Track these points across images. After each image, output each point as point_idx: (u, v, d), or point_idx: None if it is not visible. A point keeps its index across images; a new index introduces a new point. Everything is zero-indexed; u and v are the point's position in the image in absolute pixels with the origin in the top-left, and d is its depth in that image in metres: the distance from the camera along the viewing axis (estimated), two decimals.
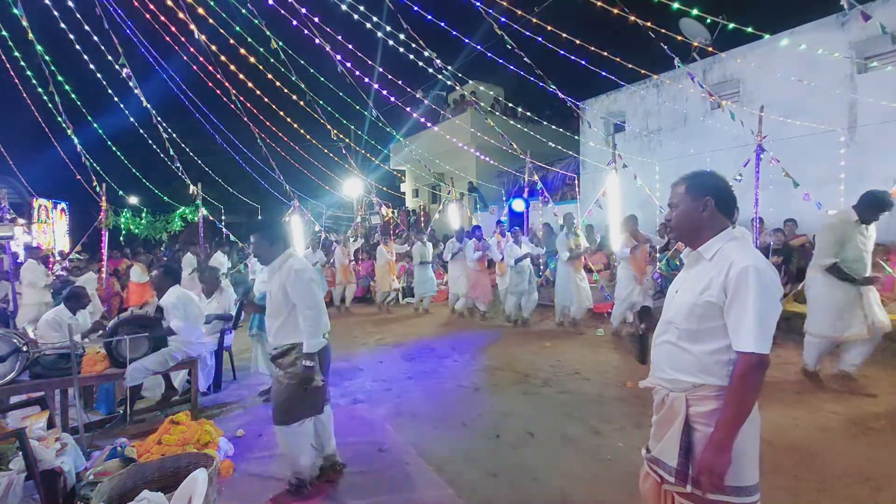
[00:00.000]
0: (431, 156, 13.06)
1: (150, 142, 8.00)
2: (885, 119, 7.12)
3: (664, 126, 10.71)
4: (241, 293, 3.23)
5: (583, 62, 6.03)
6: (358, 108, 8.00)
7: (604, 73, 6.42)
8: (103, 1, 5.52)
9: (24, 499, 2.44)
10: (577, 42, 5.70)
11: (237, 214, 16.51)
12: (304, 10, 5.74)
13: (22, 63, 6.21)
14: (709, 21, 5.67)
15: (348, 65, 6.50)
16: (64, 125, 6.55)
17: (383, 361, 5.78)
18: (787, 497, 2.65)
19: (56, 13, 5.43)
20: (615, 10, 5.02)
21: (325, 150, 10.22)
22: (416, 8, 5.58)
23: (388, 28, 6.00)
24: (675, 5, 4.83)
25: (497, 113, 14.83)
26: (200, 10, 5.72)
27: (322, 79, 7.23)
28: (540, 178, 10.78)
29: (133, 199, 17.19)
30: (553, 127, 9.75)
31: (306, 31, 5.95)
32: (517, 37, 5.96)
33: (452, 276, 8.51)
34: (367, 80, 7.00)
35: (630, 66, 6.14)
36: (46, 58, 5.81)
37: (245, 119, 7.87)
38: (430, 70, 6.80)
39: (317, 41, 6.06)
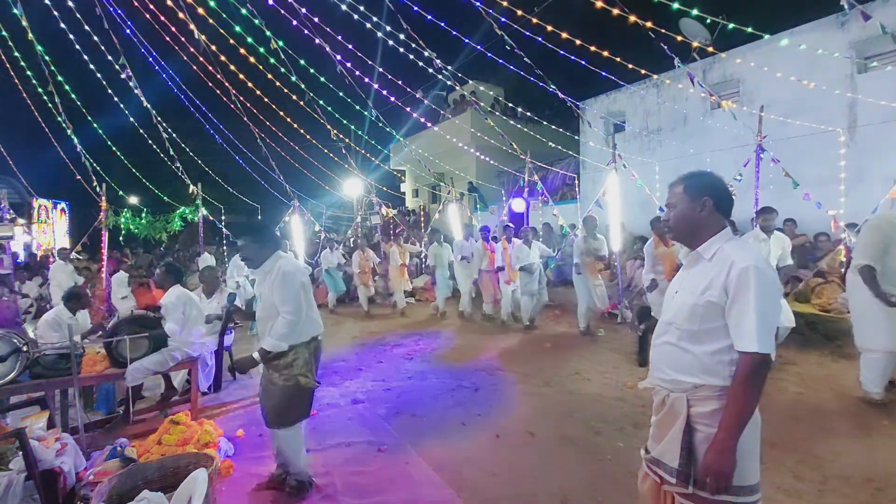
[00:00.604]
0: (431, 156, 13.06)
1: (150, 142, 8.01)
2: (885, 119, 7.12)
3: (664, 126, 10.71)
4: (228, 300, 3.19)
5: (583, 62, 6.03)
6: (358, 108, 8.00)
7: (604, 73, 6.42)
8: (103, 1, 5.52)
9: (24, 499, 2.44)
10: (577, 42, 5.69)
11: (237, 214, 16.51)
12: (304, 10, 5.74)
13: (22, 63, 6.21)
14: (709, 21, 5.66)
15: (348, 65, 6.51)
16: (64, 125, 6.55)
17: (382, 361, 5.78)
18: (787, 497, 2.65)
19: (56, 13, 5.43)
20: (615, 10, 5.02)
21: (325, 150, 10.22)
22: (416, 8, 5.58)
23: (388, 28, 6.00)
24: (675, 5, 4.83)
25: (497, 113, 14.83)
26: (200, 11, 5.71)
27: (322, 79, 7.23)
28: (540, 178, 10.79)
29: (133, 199, 17.21)
30: (553, 127, 9.75)
31: (306, 31, 5.95)
32: (517, 37, 5.97)
33: (459, 277, 8.37)
34: (367, 80, 7.00)
35: (630, 66, 6.14)
36: (46, 58, 5.81)
37: (245, 119, 7.87)
38: (430, 70, 6.80)
39: (317, 41, 6.06)
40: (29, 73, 6.31)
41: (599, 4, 4.98)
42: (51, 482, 2.54)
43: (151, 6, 5.81)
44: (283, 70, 6.57)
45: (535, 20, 5.65)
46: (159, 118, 7.20)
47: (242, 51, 6.42)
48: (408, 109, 8.24)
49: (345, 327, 7.97)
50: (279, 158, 9.34)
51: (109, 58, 5.94)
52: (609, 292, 7.77)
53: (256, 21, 5.70)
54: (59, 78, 6.21)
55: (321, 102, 7.68)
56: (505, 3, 5.47)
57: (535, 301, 7.13)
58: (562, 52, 5.92)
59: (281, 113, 8.51)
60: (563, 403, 4.19)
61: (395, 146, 18.15)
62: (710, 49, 6.93)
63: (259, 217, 14.20)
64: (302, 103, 7.45)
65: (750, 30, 5.02)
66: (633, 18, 5.03)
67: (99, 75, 6.49)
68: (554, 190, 13.42)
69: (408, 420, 3.96)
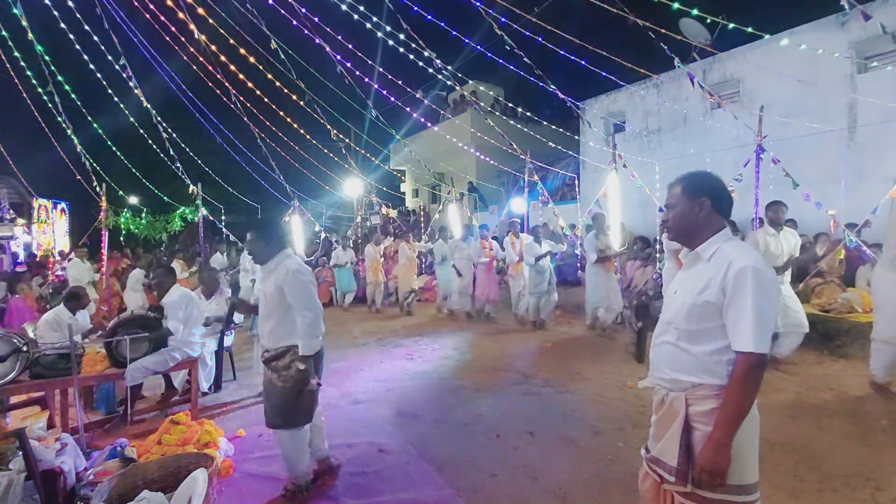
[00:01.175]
0: (431, 156, 13.07)
1: (150, 142, 8.01)
2: (885, 119, 7.12)
3: (664, 126, 10.72)
4: (232, 291, 3.17)
5: (583, 62, 6.03)
6: (358, 108, 8.00)
7: (604, 73, 6.42)
8: (103, 1, 5.52)
9: (24, 499, 2.44)
10: (577, 42, 5.70)
11: (237, 214, 16.51)
12: (303, 10, 5.75)
13: (22, 63, 6.21)
14: (709, 21, 5.67)
15: (348, 65, 6.51)
16: (64, 125, 6.56)
17: (383, 361, 5.78)
18: (787, 497, 2.65)
19: (56, 13, 5.43)
20: (615, 11, 5.02)
21: (325, 150, 10.22)
22: (416, 8, 5.58)
23: (388, 28, 6.00)
24: (675, 5, 4.83)
25: (497, 113, 14.84)
26: (200, 11, 5.71)
27: (322, 79, 7.23)
28: (540, 178, 10.78)
29: (133, 199, 17.21)
30: (553, 127, 9.76)
31: (306, 31, 5.95)
32: (517, 37, 5.97)
33: (453, 276, 8.34)
34: (367, 80, 7.01)
35: (630, 66, 6.15)
36: (46, 58, 5.81)
37: (245, 119, 7.87)
38: (430, 70, 6.80)
39: (317, 41, 6.06)
40: (29, 73, 6.31)
41: (599, 4, 4.98)
42: (51, 482, 2.54)
43: (151, 6, 5.81)
44: (283, 70, 6.57)
45: (535, 20, 5.66)
46: (159, 118, 7.21)
47: (242, 51, 6.43)
48: (408, 109, 8.25)
49: (345, 327, 7.96)
50: (279, 158, 9.34)
51: (110, 57, 5.94)
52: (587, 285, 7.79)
53: (257, 21, 5.70)
54: (60, 78, 6.21)
55: (321, 102, 7.69)
56: (505, 3, 5.48)
57: (544, 301, 7.01)
58: (562, 52, 5.92)
59: (281, 113, 8.52)
60: (563, 403, 4.19)
61: (395, 146, 18.15)
62: (710, 49, 6.93)
63: (261, 214, 14.21)
64: (302, 103, 7.45)
65: (750, 30, 5.02)
66: (633, 18, 5.03)
67: (99, 75, 6.50)
68: (554, 190, 13.43)
69: (408, 420, 3.96)
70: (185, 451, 3.04)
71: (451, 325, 7.77)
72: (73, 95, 6.73)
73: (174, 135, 7.73)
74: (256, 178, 10.16)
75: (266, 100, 7.90)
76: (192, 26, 5.69)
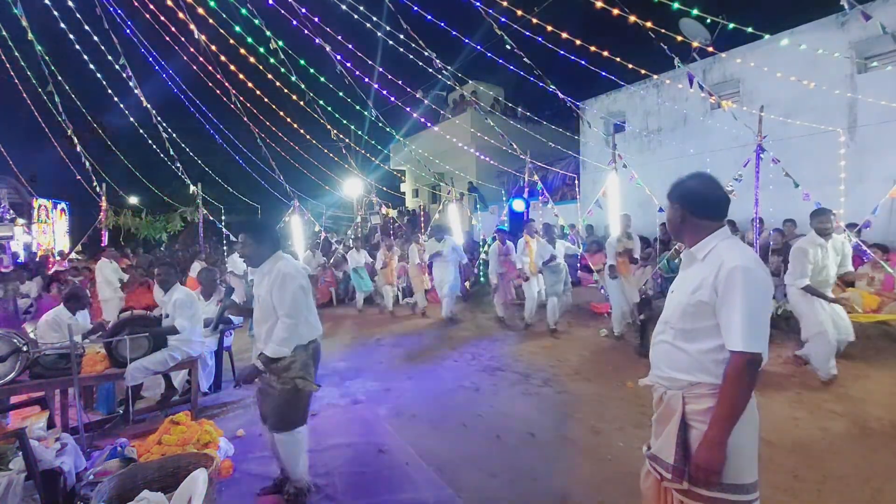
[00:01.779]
0: (431, 156, 13.06)
1: (150, 142, 8.01)
2: (885, 119, 7.12)
3: (664, 126, 10.71)
4: (225, 294, 3.11)
5: (583, 62, 6.03)
6: (358, 108, 8.00)
7: (604, 73, 6.42)
8: (103, 1, 5.52)
9: (24, 499, 2.44)
10: (577, 42, 5.70)
11: (237, 214, 16.52)
12: (303, 10, 5.75)
13: (22, 63, 6.22)
14: (709, 21, 5.67)
15: (348, 65, 6.51)
16: (64, 125, 6.56)
17: (383, 361, 5.78)
18: (787, 497, 2.65)
19: (56, 13, 5.43)
20: (615, 10, 5.02)
21: (325, 150, 10.22)
22: (416, 8, 5.58)
23: (388, 28, 6.01)
24: (675, 5, 4.83)
25: (497, 113, 14.84)
26: (200, 11, 5.71)
27: (322, 79, 7.23)
28: (540, 178, 10.79)
29: (133, 199, 17.22)
30: (553, 127, 9.76)
31: (306, 31, 5.96)
32: (517, 37, 5.97)
33: (442, 278, 8.01)
34: (367, 80, 7.01)
35: (630, 66, 6.14)
36: (46, 58, 5.82)
37: (245, 119, 7.87)
38: (430, 70, 6.80)
39: (317, 41, 6.06)
40: (29, 73, 6.31)
41: (599, 4, 4.98)
42: (51, 482, 2.54)
43: (151, 6, 5.81)
44: (283, 70, 6.57)
45: (535, 20, 5.65)
46: (159, 118, 7.21)
47: (242, 51, 6.43)
48: (408, 109, 8.25)
49: (345, 327, 7.97)
50: (279, 158, 9.34)
51: (110, 57, 5.95)
52: (608, 293, 7.77)
53: (256, 21, 5.70)
54: (60, 78, 6.21)
55: (321, 102, 7.69)
56: (505, 3, 5.47)
57: (559, 302, 6.76)
58: (562, 52, 5.93)
59: (281, 113, 8.52)
60: (563, 403, 4.19)
61: (395, 146, 18.15)
62: (710, 49, 6.92)
63: (259, 215, 14.20)
64: (302, 103, 7.46)
65: (750, 30, 5.03)
66: (633, 18, 5.03)
67: (99, 75, 6.50)
68: (554, 190, 13.43)
69: (408, 420, 3.96)
70: (185, 451, 3.04)
71: (450, 325, 7.76)
72: (73, 95, 6.74)
73: (174, 135, 7.74)
74: (256, 178, 10.16)
75: (266, 100, 7.90)
76: (192, 26, 5.69)
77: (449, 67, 7.24)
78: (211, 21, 5.90)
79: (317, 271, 10.14)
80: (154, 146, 8.01)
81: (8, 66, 6.33)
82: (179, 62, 7.01)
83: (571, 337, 6.59)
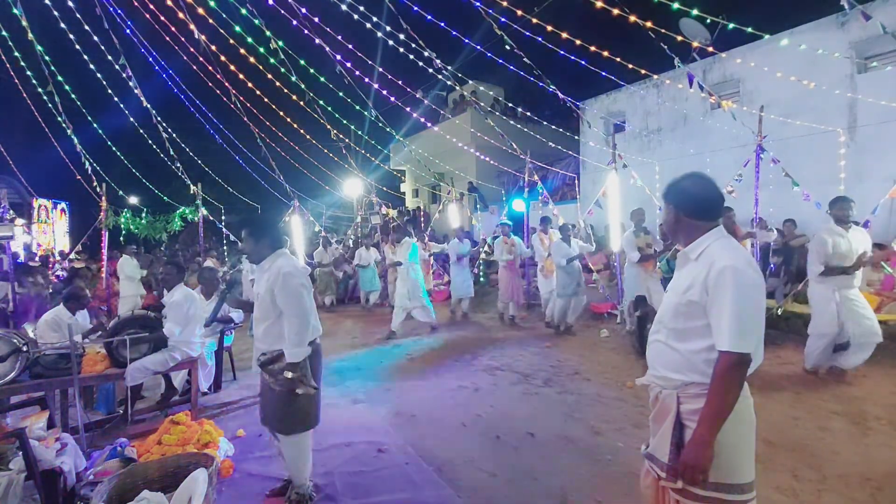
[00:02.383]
0: (431, 156, 13.06)
1: (150, 142, 8.01)
2: (885, 119, 7.13)
3: (664, 126, 10.72)
4: (227, 286, 3.05)
5: (583, 62, 6.03)
6: (358, 108, 7.99)
7: (604, 73, 6.42)
8: (103, 1, 5.52)
9: (24, 499, 2.44)
10: (577, 42, 5.69)
11: (237, 214, 16.52)
12: (303, 10, 5.74)
13: (22, 63, 6.21)
14: (709, 21, 5.66)
15: (348, 65, 6.51)
16: (64, 125, 6.56)
17: (383, 361, 5.78)
18: (787, 497, 2.65)
19: (56, 13, 5.43)
20: (615, 10, 5.02)
21: (325, 150, 10.22)
22: (416, 8, 5.58)
23: (388, 28, 6.00)
24: (675, 5, 4.83)
25: (497, 113, 14.84)
26: (200, 11, 5.71)
27: (322, 79, 7.22)
28: (540, 178, 10.78)
29: (133, 199, 17.21)
30: (553, 127, 9.75)
31: (306, 31, 5.95)
32: (517, 37, 5.97)
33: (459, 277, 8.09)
34: (367, 80, 7.01)
35: (630, 66, 6.13)
36: (46, 58, 5.81)
37: (245, 119, 7.87)
38: (430, 70, 6.80)
39: (317, 41, 6.06)
40: (29, 73, 6.31)
41: (599, 4, 4.98)
42: (51, 482, 2.54)
43: (151, 6, 5.81)
44: (283, 70, 6.57)
45: (535, 20, 5.65)
46: (159, 118, 7.21)
47: (242, 51, 6.43)
48: (408, 109, 8.24)
49: (344, 327, 7.97)
50: (279, 158, 9.33)
51: (109, 57, 5.94)
52: (608, 293, 7.78)
53: (256, 21, 5.70)
54: (59, 78, 6.21)
55: (321, 102, 7.68)
56: (505, 3, 5.47)
57: (574, 303, 6.61)
58: (562, 52, 5.92)
59: (281, 113, 8.51)
60: (563, 403, 4.19)
61: (395, 146, 18.15)
62: (710, 49, 6.92)
63: (260, 212, 14.19)
64: (302, 103, 7.45)
65: (750, 30, 5.02)
66: (633, 18, 5.03)
67: (99, 75, 6.50)
68: (554, 190, 13.43)
69: (408, 420, 3.96)
70: (185, 451, 3.04)
71: (449, 325, 7.77)
72: (73, 95, 6.74)
73: (174, 135, 7.74)
74: (256, 178, 10.16)
75: (266, 100, 7.90)
76: (192, 26, 5.69)
77: (449, 67, 7.24)
78: (211, 21, 5.91)
79: (329, 265, 10.13)
80: (154, 146, 8.02)
81: (8, 66, 6.33)
82: (179, 62, 7.01)
83: (571, 337, 6.59)
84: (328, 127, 8.00)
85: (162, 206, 12.06)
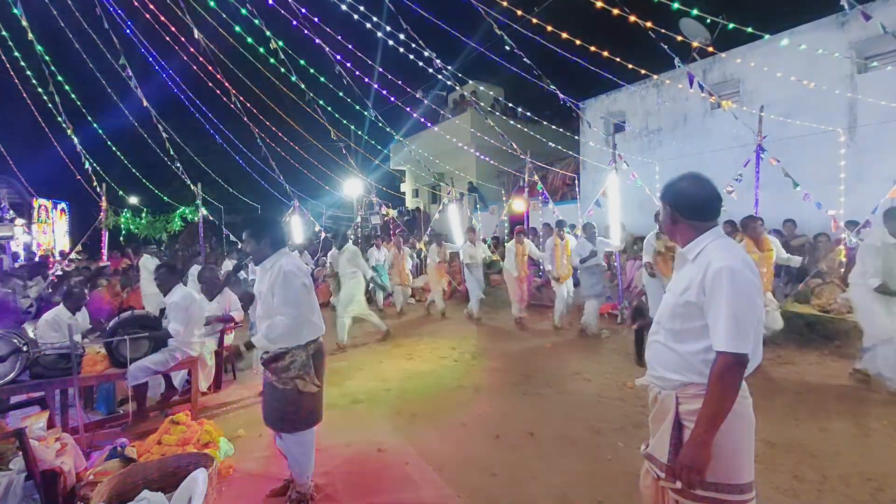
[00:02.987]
0: (431, 156, 13.07)
1: (150, 142, 8.02)
2: (885, 119, 7.12)
3: (664, 126, 10.71)
4: (234, 268, 3.05)
5: (583, 62, 6.03)
6: (358, 108, 8.00)
7: (604, 73, 6.42)
8: (103, 1, 5.52)
9: (24, 499, 2.44)
10: (577, 42, 5.69)
11: (237, 214, 16.53)
12: (303, 10, 5.75)
13: (22, 63, 6.22)
14: (709, 21, 5.67)
15: (348, 65, 6.51)
16: (64, 125, 6.56)
17: (382, 361, 5.78)
18: (787, 497, 2.65)
19: (56, 13, 5.43)
20: (615, 10, 5.02)
21: (325, 150, 10.23)
22: (416, 8, 5.58)
23: (389, 28, 6.00)
24: (675, 5, 4.83)
25: (497, 113, 14.83)
26: (200, 11, 5.72)
27: (322, 79, 7.23)
28: (540, 178, 10.79)
29: (133, 199, 17.22)
30: (553, 127, 9.75)
31: (306, 31, 5.95)
32: (517, 37, 5.97)
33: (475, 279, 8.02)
34: (367, 80, 7.01)
35: (630, 66, 6.14)
36: (46, 58, 5.82)
37: (245, 119, 7.87)
38: (430, 70, 6.80)
39: (317, 41, 6.06)
40: (29, 73, 6.31)
41: (599, 4, 4.98)
42: (51, 482, 2.54)
43: (151, 6, 5.81)
44: (283, 70, 6.57)
45: (535, 20, 5.65)
46: (159, 118, 7.21)
47: (242, 51, 6.43)
48: (408, 109, 8.25)
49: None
50: (279, 158, 9.34)
51: (109, 57, 5.95)
52: (609, 293, 7.77)
53: (256, 21, 5.70)
54: (59, 78, 6.21)
55: (321, 102, 7.69)
56: (505, 3, 5.47)
57: (598, 305, 6.40)
58: (562, 52, 5.92)
59: (281, 113, 8.52)
60: (563, 403, 4.19)
61: (395, 146, 18.15)
62: (710, 49, 6.92)
63: (262, 212, 14.20)
64: (302, 103, 7.46)
65: (750, 30, 5.02)
66: (633, 18, 5.03)
67: (99, 75, 6.51)
68: (554, 190, 13.42)
69: (408, 420, 3.96)
70: (185, 451, 3.04)
71: (450, 325, 7.77)
72: (73, 95, 6.74)
73: (174, 135, 7.75)
74: (256, 178, 10.17)
75: (266, 100, 7.91)
76: (192, 26, 5.69)
77: (449, 67, 7.24)
78: (211, 21, 5.91)
79: (316, 271, 10.12)
80: (154, 146, 8.02)
81: (8, 66, 6.34)
82: (179, 62, 7.01)
83: (572, 337, 6.59)
84: (328, 127, 8.01)
85: (162, 206, 12.08)
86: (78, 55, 6.12)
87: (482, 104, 13.06)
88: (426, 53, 6.39)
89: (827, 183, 6.99)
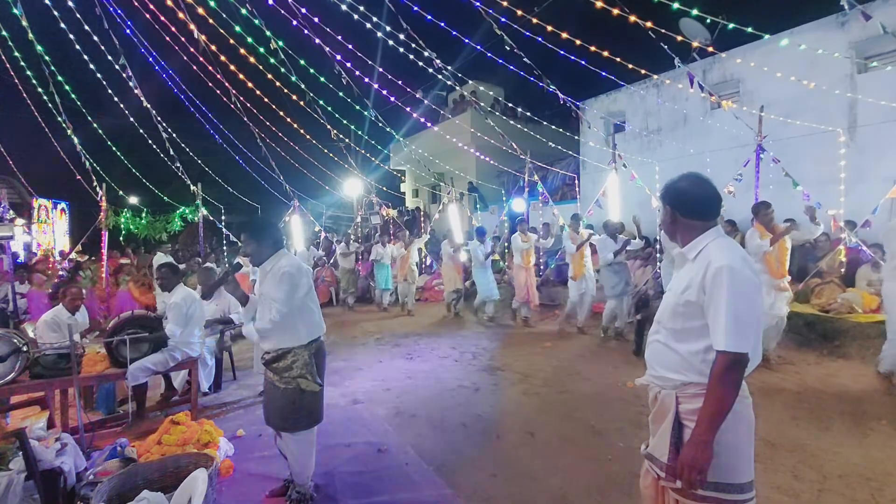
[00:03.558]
0: (431, 156, 13.06)
1: (150, 142, 8.01)
2: (885, 119, 7.12)
3: (664, 126, 10.71)
4: (231, 268, 3.00)
5: (583, 62, 6.02)
6: (358, 108, 7.99)
7: (604, 73, 6.41)
8: (103, 1, 5.52)
9: (24, 499, 2.44)
10: (578, 42, 5.69)
11: (237, 214, 16.53)
12: (303, 10, 5.74)
13: (22, 63, 6.21)
14: (709, 21, 5.66)
15: (348, 65, 6.51)
16: (64, 125, 6.56)
17: (383, 361, 5.78)
18: (787, 497, 2.65)
19: (56, 13, 5.43)
20: (615, 10, 5.02)
21: (325, 150, 10.22)
22: (416, 8, 5.57)
23: (388, 28, 6.00)
24: (675, 5, 4.83)
25: (497, 113, 14.82)
26: (200, 11, 5.71)
27: (322, 79, 7.22)
28: (540, 178, 10.78)
29: (133, 199, 17.21)
30: (553, 127, 9.74)
31: (306, 31, 5.95)
32: (517, 37, 5.96)
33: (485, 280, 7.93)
34: (367, 80, 7.00)
35: (630, 66, 6.13)
36: (46, 58, 5.81)
37: (245, 119, 7.87)
38: (430, 70, 6.79)
39: (317, 41, 6.06)
40: (29, 73, 6.31)
41: (599, 4, 4.98)
42: (51, 482, 2.54)
43: (151, 6, 5.81)
44: (283, 70, 6.57)
45: (535, 20, 5.65)
46: (159, 118, 7.21)
47: (242, 51, 6.42)
48: (408, 109, 8.24)
49: (345, 327, 7.96)
50: (279, 158, 9.34)
51: (109, 57, 5.94)
52: (632, 291, 7.68)
53: (256, 21, 5.70)
54: (60, 78, 6.21)
55: (321, 102, 7.68)
56: (505, 3, 5.47)
57: (625, 304, 6.21)
58: (562, 52, 5.92)
59: (281, 113, 8.51)
60: (563, 403, 4.19)
61: (395, 146, 18.13)
62: (710, 49, 6.92)
63: (261, 214, 14.19)
64: (302, 103, 7.45)
65: (750, 30, 5.02)
66: (633, 18, 5.03)
67: (99, 75, 6.50)
68: (554, 190, 13.42)
69: (407, 420, 3.96)
70: (185, 451, 3.04)
71: (450, 325, 7.77)
72: (73, 95, 6.74)
73: (174, 135, 7.74)
74: (256, 178, 10.16)
75: (266, 100, 7.90)
76: (192, 26, 5.69)
77: (449, 67, 7.23)
78: (211, 21, 5.90)
79: (316, 271, 10.12)
80: (154, 146, 8.01)
81: (8, 66, 6.33)
82: (179, 62, 7.00)
83: (572, 337, 6.59)
84: (328, 127, 8.01)
85: (162, 206, 12.07)
86: (78, 55, 6.11)
87: (482, 104, 13.05)
88: (426, 53, 6.39)
89: (827, 183, 6.99)
